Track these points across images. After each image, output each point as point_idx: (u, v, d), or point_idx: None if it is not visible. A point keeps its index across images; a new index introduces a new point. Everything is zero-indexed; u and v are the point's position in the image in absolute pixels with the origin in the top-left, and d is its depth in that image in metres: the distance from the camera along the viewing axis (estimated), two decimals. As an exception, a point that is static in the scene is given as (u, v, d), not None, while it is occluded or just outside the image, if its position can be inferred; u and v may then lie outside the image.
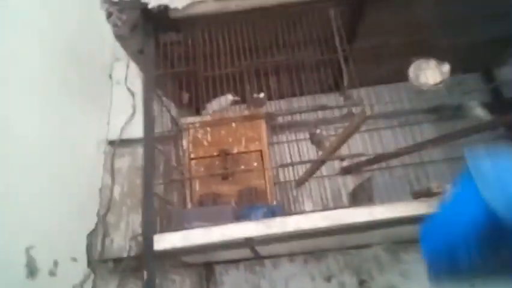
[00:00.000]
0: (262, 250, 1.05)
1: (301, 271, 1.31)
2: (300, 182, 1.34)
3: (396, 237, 1.26)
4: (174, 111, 1.37)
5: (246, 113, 1.26)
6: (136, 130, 1.59)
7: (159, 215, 0.88)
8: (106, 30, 1.51)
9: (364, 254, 1.32)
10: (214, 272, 1.35)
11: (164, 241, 0.77)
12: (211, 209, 0.84)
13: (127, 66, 1.77)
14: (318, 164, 1.14)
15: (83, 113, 1.68)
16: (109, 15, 0.94)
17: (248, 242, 0.77)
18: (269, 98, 1.33)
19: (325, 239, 1.18)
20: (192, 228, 0.77)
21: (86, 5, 1.80)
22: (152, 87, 0.94)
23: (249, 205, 1.03)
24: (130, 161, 1.60)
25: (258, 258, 1.32)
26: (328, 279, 1.29)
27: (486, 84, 1.39)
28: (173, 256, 0.79)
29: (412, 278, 1.25)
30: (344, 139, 0.95)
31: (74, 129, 1.63)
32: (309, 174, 1.21)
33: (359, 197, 0.91)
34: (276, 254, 1.34)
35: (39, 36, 1.73)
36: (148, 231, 0.79)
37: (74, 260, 1.39)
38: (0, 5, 1.62)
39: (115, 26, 0.96)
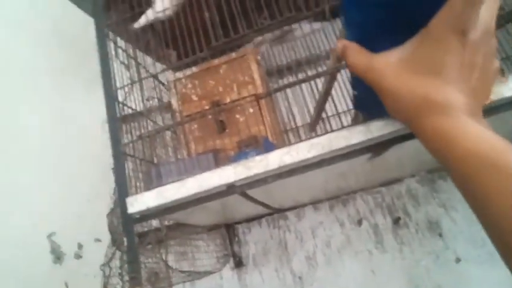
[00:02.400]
0: (266, 199, 0.94)
1: (328, 218, 1.19)
2: (314, 123, 1.20)
3: (430, 164, 1.09)
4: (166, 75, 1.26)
5: (235, 55, 1.13)
6: (137, 102, 1.53)
7: (136, 178, 0.80)
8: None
9: (395, 190, 1.17)
10: (237, 232, 1.27)
11: (138, 202, 0.68)
12: (190, 160, 0.74)
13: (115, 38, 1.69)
14: (328, 84, 0.97)
15: (81, 94, 1.64)
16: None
17: (230, 189, 0.66)
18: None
19: (347, 178, 1.05)
20: (167, 183, 0.67)
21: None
22: (104, 40, 0.84)
23: (240, 153, 0.92)
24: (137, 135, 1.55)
25: (279, 211, 1.22)
26: (358, 222, 1.16)
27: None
28: (153, 218, 0.70)
29: (455, 207, 1.08)
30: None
31: (77, 112, 1.60)
32: (320, 107, 1.06)
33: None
34: (299, 204, 1.23)
35: (26, 25, 1.68)
36: (121, 194, 0.71)
37: (98, 240, 1.39)
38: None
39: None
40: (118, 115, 0.82)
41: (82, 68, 1.67)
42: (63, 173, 1.46)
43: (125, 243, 0.68)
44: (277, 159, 0.63)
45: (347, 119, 1.13)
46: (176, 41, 0.92)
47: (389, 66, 0.36)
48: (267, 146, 0.82)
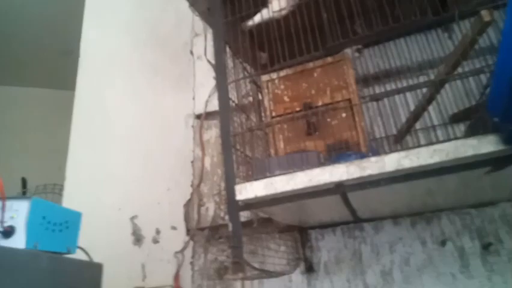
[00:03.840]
0: (359, 204, 0.93)
1: (409, 234, 1.15)
2: (402, 134, 1.17)
3: (533, 189, 1.01)
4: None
5: (329, 59, 1.14)
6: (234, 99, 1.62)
7: (243, 169, 0.83)
8: (183, 9, 1.52)
9: (487, 214, 1.10)
10: (309, 237, 1.27)
11: (247, 191, 0.71)
12: (294, 156, 0.75)
13: (205, 39, 1.78)
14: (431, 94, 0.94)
15: (171, 91, 1.74)
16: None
17: (339, 188, 0.67)
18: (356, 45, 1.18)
19: (436, 195, 1.01)
20: (275, 175, 0.70)
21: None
22: (221, 38, 0.89)
23: (338, 154, 0.92)
24: (217, 132, 1.62)
25: (357, 221, 1.20)
26: (442, 243, 1.11)
27: None
28: (259, 207, 0.72)
29: (557, 239, 0.99)
30: (455, 60, 0.77)
31: (164, 107, 1.71)
32: (413, 120, 1.04)
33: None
34: (378, 217, 1.20)
35: (126, 27, 1.83)
36: (230, 182, 0.74)
37: (174, 228, 1.46)
38: (91, 8, 1.76)
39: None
40: (229, 107, 0.86)
41: (171, 68, 1.79)
42: (148, 162, 1.56)
43: (230, 229, 0.71)
44: (395, 162, 0.62)
45: (436, 134, 1.08)
46: (270, 43, 0.95)
47: None
48: (372, 150, 0.82)
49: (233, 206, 0.71)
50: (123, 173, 1.49)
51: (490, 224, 1.08)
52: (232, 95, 1.04)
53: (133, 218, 1.41)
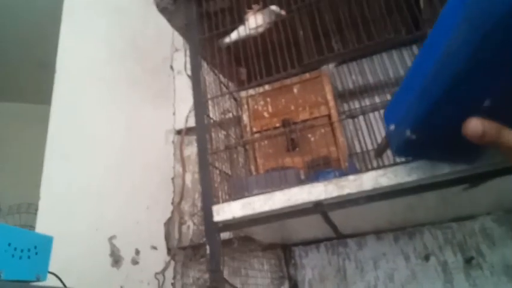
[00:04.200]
0: (340, 221, 0.92)
1: (392, 250, 1.14)
2: (381, 150, 1.17)
3: (510, 203, 1.02)
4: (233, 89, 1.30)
5: (307, 76, 1.14)
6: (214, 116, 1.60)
7: (220, 188, 0.81)
8: (163, 24, 1.51)
9: (468, 227, 1.10)
10: (293, 255, 1.25)
11: (224, 211, 0.69)
12: (272, 174, 0.74)
13: (185, 55, 1.77)
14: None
15: (150, 106, 1.72)
16: (150, -14, 0.90)
17: (318, 207, 0.65)
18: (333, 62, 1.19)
19: (416, 210, 1.01)
20: (253, 195, 0.68)
21: (143, 4, 1.86)
22: (197, 53, 0.88)
23: (317, 171, 0.91)
24: (198, 148, 1.60)
25: (340, 238, 1.19)
26: (426, 258, 1.10)
27: None
28: (237, 228, 0.70)
29: (537, 252, 1.00)
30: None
31: (143, 122, 1.68)
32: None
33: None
34: (360, 232, 1.19)
35: (104, 39, 1.81)
36: (207, 202, 0.72)
37: (154, 248, 1.41)
38: (68, 20, 1.73)
39: (157, -2, 0.92)
40: (206, 125, 0.84)
41: (151, 82, 1.76)
42: (127, 179, 1.52)
43: (208, 251, 0.68)
44: (373, 180, 0.62)
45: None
46: (248, 60, 0.95)
47: None
48: (351, 167, 0.81)
49: (210, 227, 0.69)
50: (100, 190, 1.45)
51: (470, 238, 1.09)
52: (211, 111, 1.03)
53: (111, 239, 1.36)
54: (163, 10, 0.98)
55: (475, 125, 0.36)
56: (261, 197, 0.68)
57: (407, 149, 0.48)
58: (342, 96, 1.32)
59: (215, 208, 0.69)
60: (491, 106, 0.38)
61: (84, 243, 1.36)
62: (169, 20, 1.03)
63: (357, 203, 0.65)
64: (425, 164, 0.60)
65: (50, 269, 1.02)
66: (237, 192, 0.76)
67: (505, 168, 0.60)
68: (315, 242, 1.22)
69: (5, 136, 2.33)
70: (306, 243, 1.24)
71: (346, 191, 0.63)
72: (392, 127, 0.48)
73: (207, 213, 0.70)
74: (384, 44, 0.71)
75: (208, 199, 0.72)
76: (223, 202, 0.70)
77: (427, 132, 0.44)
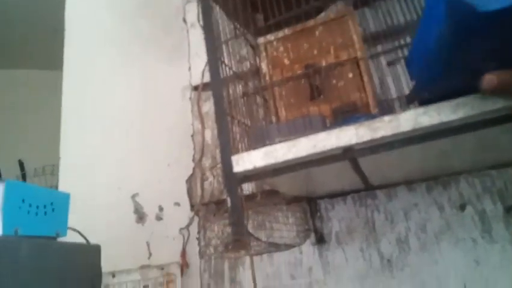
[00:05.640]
0: (370, 170, 0.85)
1: (424, 200, 1.08)
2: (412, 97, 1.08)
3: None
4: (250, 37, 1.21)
5: (331, 16, 1.03)
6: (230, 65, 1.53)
7: (239, 139, 0.76)
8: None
9: (509, 174, 1.01)
10: (319, 207, 1.21)
11: (244, 162, 0.64)
12: (296, 121, 0.67)
13: (198, 5, 1.67)
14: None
15: (165, 62, 1.65)
16: None
17: (347, 153, 0.59)
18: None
19: (452, 157, 0.93)
20: (275, 143, 0.62)
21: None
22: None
23: (345, 118, 0.84)
24: (217, 103, 1.54)
25: (369, 189, 1.13)
26: (461, 207, 1.04)
27: None
28: (259, 178, 0.65)
29: None
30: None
31: (158, 80, 1.62)
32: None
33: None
34: (390, 183, 1.13)
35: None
36: (225, 153, 0.67)
37: (178, 204, 1.41)
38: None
39: None
40: (221, 74, 0.77)
41: (164, 38, 1.68)
42: (145, 138, 1.50)
43: (229, 204, 0.64)
44: (412, 120, 0.54)
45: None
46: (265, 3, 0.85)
47: None
48: (384, 112, 0.73)
49: (230, 179, 0.64)
50: (119, 150, 1.43)
51: (512, 185, 1.00)
52: (226, 59, 0.95)
53: (133, 197, 1.36)
54: None
55: (489, 79, 0.41)
56: (284, 145, 0.62)
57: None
58: (371, 39, 1.20)
59: (234, 158, 0.64)
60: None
61: (107, 201, 1.37)
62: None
63: (392, 147, 0.58)
64: (474, 98, 0.51)
65: (76, 227, 1.02)
66: (258, 141, 0.70)
67: None
68: (342, 194, 1.18)
69: (25, 102, 2.34)
70: (332, 195, 1.19)
71: (380, 133, 0.56)
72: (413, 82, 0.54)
73: (226, 164, 0.65)
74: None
75: (227, 149, 0.67)
76: (242, 152, 0.64)
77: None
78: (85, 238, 0.88)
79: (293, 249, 1.18)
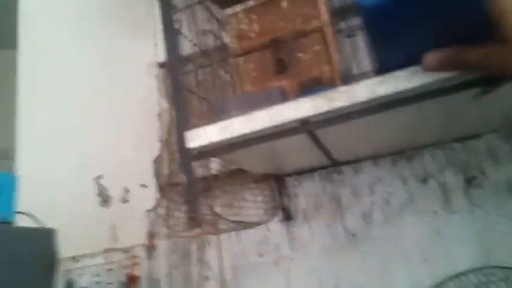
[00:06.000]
0: (332, 144, 0.84)
1: (389, 174, 1.09)
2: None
3: (519, 117, 0.94)
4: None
5: (297, -14, 0.99)
6: (186, 47, 1.46)
7: (197, 114, 0.73)
8: None
9: (472, 147, 1.03)
10: (286, 185, 1.20)
11: (199, 137, 0.61)
12: (254, 94, 0.65)
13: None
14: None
15: (129, 37, 1.57)
16: None
17: (305, 126, 0.57)
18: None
19: (417, 130, 0.93)
20: (230, 117, 0.59)
21: None
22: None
23: (307, 91, 0.82)
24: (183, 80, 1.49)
25: (335, 165, 1.13)
26: (424, 180, 1.05)
27: None
28: (216, 154, 0.62)
29: (543, 168, 0.94)
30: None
31: (123, 56, 1.54)
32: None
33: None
34: (357, 158, 1.13)
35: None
36: (180, 128, 0.63)
37: (144, 186, 1.37)
38: None
39: None
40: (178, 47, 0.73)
41: (128, 11, 1.59)
42: (109, 118, 1.43)
43: (185, 182, 0.62)
44: (368, 89, 0.52)
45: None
46: None
47: None
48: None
49: (185, 155, 0.62)
50: (82, 130, 1.37)
51: (474, 158, 1.02)
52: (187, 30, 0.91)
53: (97, 178, 1.32)
54: None
55: (428, 58, 0.40)
56: (241, 119, 0.59)
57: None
58: (339, 13, 1.18)
59: (189, 134, 0.61)
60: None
61: (70, 184, 1.31)
62: None
63: (349, 118, 0.56)
64: (430, 66, 0.50)
65: (36, 212, 0.97)
66: (215, 116, 0.67)
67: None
68: (310, 171, 1.17)
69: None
70: (300, 172, 1.18)
71: (336, 104, 0.54)
72: None
73: (180, 140, 0.62)
74: None
75: (181, 124, 0.63)
76: (198, 127, 0.61)
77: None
78: (38, 221, 0.83)
79: (261, 227, 1.18)
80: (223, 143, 0.60)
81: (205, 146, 0.61)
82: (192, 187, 0.61)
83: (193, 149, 0.61)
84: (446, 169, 1.04)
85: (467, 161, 1.02)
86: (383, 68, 0.52)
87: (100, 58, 1.53)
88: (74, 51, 1.51)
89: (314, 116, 0.56)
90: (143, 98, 1.48)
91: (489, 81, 0.52)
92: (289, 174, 1.20)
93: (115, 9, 1.61)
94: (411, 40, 0.45)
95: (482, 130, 1.01)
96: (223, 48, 1.09)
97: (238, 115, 0.60)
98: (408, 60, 0.48)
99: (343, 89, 0.54)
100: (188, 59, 0.87)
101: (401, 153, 1.09)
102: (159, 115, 1.49)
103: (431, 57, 0.40)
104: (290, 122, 0.57)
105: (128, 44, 1.56)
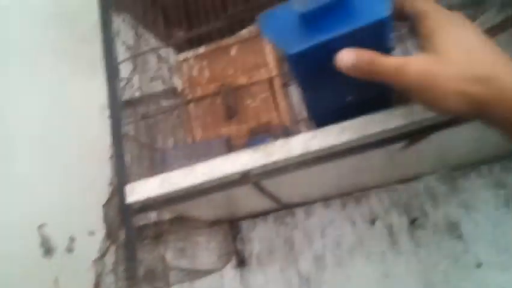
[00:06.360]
0: (280, 191, 0.86)
1: (339, 216, 1.11)
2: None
3: (454, 160, 1.01)
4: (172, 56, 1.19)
5: (246, 35, 1.04)
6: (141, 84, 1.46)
7: (140, 164, 0.72)
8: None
9: (413, 188, 1.09)
10: (240, 229, 1.19)
11: (140, 191, 0.60)
12: (199, 144, 0.65)
13: (123, 20, 1.60)
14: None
15: (82, 77, 1.55)
16: None
17: (245, 178, 0.58)
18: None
19: (363, 173, 0.97)
20: (173, 169, 0.59)
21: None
22: (108, 7, 0.75)
23: (252, 139, 0.84)
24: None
25: (286, 208, 1.14)
26: (372, 222, 1.09)
27: None
28: (157, 208, 0.61)
29: (476, 208, 1.01)
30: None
31: (74, 96, 1.51)
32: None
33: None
34: (308, 201, 1.15)
35: (22, 6, 1.59)
36: (120, 181, 0.62)
37: (92, 233, 1.30)
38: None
39: None
40: (121, 96, 0.73)
41: (82, 50, 1.58)
42: (57, 161, 1.37)
43: (123, 237, 0.60)
44: (302, 144, 0.55)
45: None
46: (187, 19, 0.84)
47: (434, 64, 0.35)
48: (286, 134, 0.74)
49: (125, 209, 0.60)
50: (26, 176, 1.30)
51: (416, 199, 1.08)
52: (139, 77, 0.92)
53: (40, 227, 1.24)
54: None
55: (346, 55, 0.37)
56: (182, 171, 0.59)
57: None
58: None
59: (129, 187, 0.60)
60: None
61: (7, 233, 1.22)
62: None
63: (287, 171, 0.58)
64: (358, 122, 0.53)
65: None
66: (160, 167, 0.67)
67: (444, 122, 0.55)
68: (263, 214, 1.17)
69: None
70: (254, 215, 1.18)
71: (274, 158, 0.55)
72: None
73: (121, 194, 0.60)
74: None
75: (122, 177, 0.62)
76: (138, 180, 0.61)
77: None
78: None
79: (214, 274, 1.14)
80: (164, 197, 0.59)
81: (145, 200, 0.60)
82: (130, 245, 0.59)
83: (134, 203, 0.60)
84: (391, 210, 1.08)
85: (410, 202, 1.07)
86: (313, 116, 0.54)
87: (49, 96, 1.49)
88: (24, 89, 1.46)
89: (253, 169, 0.57)
90: (94, 139, 1.44)
91: (412, 136, 0.56)
92: (243, 218, 1.20)
93: (69, 46, 1.59)
94: (332, 89, 0.46)
95: (421, 172, 1.07)
96: (173, 93, 1.10)
97: (180, 167, 0.60)
98: (333, 109, 0.51)
99: (279, 143, 0.56)
100: (135, 105, 0.87)
101: (349, 195, 1.13)
102: (111, 158, 1.45)
103: (345, 57, 0.37)
104: (231, 175, 0.58)
105: (81, 82, 1.54)
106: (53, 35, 1.57)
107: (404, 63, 0.36)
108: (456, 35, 0.35)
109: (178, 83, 1.06)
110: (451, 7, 0.39)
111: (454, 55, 0.34)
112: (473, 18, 0.83)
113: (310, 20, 0.39)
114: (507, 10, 0.85)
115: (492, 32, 0.80)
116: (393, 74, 0.36)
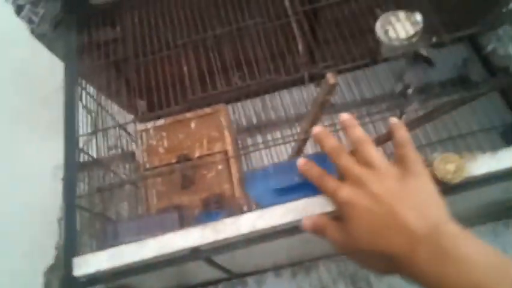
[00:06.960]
0: (231, 263, 0.88)
1: (290, 285, 1.13)
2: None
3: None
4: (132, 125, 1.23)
5: (207, 111, 1.12)
6: (99, 151, 1.47)
7: (94, 235, 0.72)
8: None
9: (359, 259, 1.14)
10: (190, 300, 1.16)
11: (88, 264, 0.60)
12: (152, 218, 0.68)
13: (81, 84, 1.64)
14: (293, 154, 0.99)
15: (38, 139, 1.54)
16: (19, 9, 0.80)
17: (195, 254, 0.61)
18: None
19: (311, 244, 1.02)
20: (124, 243, 0.61)
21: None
22: (74, 79, 0.80)
23: (207, 213, 0.87)
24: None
25: (238, 277, 1.15)
26: (320, 292, 1.11)
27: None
28: (107, 282, 0.62)
29: (417, 279, 1.07)
30: (312, 119, 0.80)
31: (27, 158, 1.50)
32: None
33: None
34: (260, 270, 1.16)
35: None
36: (68, 253, 0.62)
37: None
38: None
39: (30, 22, 0.83)
40: (77, 162, 0.75)
41: (41, 113, 1.59)
42: (4, 222, 1.32)
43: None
44: (249, 223, 0.59)
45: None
46: (149, 92, 0.90)
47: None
48: (237, 208, 0.79)
49: (70, 283, 0.60)
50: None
51: (361, 269, 1.13)
52: (95, 146, 0.94)
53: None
54: (40, 37, 0.89)
55: (306, 222, 0.49)
56: (132, 246, 0.61)
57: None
58: (246, 131, 1.34)
59: (76, 260, 0.61)
60: None
61: None
62: (50, 48, 0.94)
63: (236, 247, 0.62)
64: (301, 204, 0.59)
65: None
66: (111, 240, 0.68)
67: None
68: (214, 283, 1.17)
69: None
70: (204, 284, 1.17)
71: (223, 235, 0.59)
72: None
73: (67, 266, 0.60)
74: (266, 84, 0.72)
75: (70, 249, 0.63)
76: (86, 253, 0.61)
77: None
78: None
79: None
80: (113, 271, 0.60)
81: (93, 274, 0.60)
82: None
83: (81, 276, 0.60)
84: (339, 280, 1.12)
85: (355, 272, 1.12)
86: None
87: (3, 157, 1.46)
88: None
89: (203, 245, 0.60)
90: (44, 202, 1.39)
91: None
92: (195, 286, 1.18)
93: (28, 109, 1.60)
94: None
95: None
96: (132, 157, 1.13)
97: (132, 241, 0.62)
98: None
99: (228, 221, 0.60)
100: (91, 168, 0.89)
101: (300, 265, 1.16)
102: (59, 220, 1.40)
103: (307, 221, 0.48)
104: (181, 250, 0.60)
105: (35, 145, 1.53)
106: (12, 97, 1.59)
107: None
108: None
109: (137, 151, 1.09)
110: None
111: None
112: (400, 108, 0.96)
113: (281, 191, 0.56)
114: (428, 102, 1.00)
115: (415, 123, 0.94)
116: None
